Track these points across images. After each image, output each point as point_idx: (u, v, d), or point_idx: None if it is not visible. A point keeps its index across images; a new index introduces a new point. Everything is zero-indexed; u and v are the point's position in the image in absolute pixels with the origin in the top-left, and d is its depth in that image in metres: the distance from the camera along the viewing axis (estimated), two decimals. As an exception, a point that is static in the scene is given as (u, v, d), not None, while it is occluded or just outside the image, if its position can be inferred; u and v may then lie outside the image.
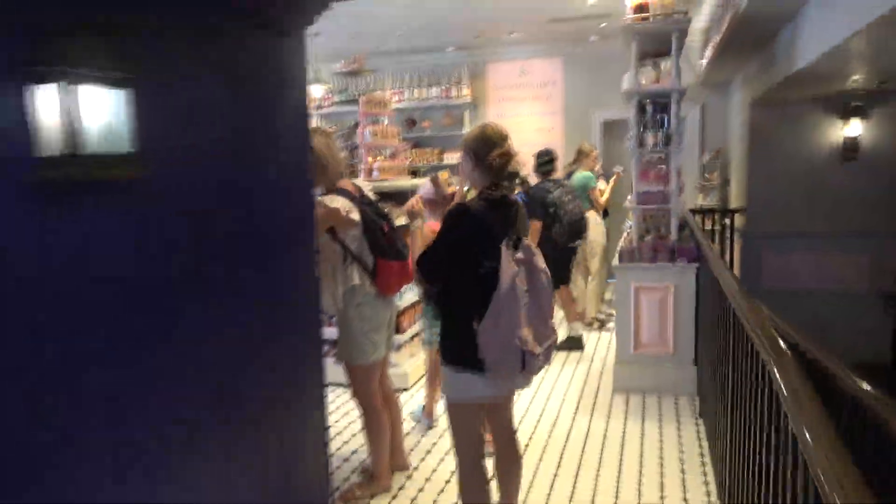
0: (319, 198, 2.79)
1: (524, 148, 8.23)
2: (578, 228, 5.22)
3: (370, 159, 4.49)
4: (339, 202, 2.83)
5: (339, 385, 4.35)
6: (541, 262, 2.28)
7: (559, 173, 5.69)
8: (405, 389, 4.49)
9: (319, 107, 6.91)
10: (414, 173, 5.54)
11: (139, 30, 1.34)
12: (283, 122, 1.91)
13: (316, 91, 6.88)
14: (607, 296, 6.77)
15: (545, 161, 5.37)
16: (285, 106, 1.93)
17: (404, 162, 4.72)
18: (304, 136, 2.01)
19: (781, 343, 1.69)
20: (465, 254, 2.21)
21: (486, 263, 2.17)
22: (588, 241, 5.92)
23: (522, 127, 8.39)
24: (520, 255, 2.23)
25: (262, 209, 1.79)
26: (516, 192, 5.98)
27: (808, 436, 1.15)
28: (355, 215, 2.84)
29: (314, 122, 7.92)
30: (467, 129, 8.35)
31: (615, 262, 4.38)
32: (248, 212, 1.73)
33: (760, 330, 1.81)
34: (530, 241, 2.33)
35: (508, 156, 2.32)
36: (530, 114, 8.40)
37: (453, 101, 8.33)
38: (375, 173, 4.44)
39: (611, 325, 6.09)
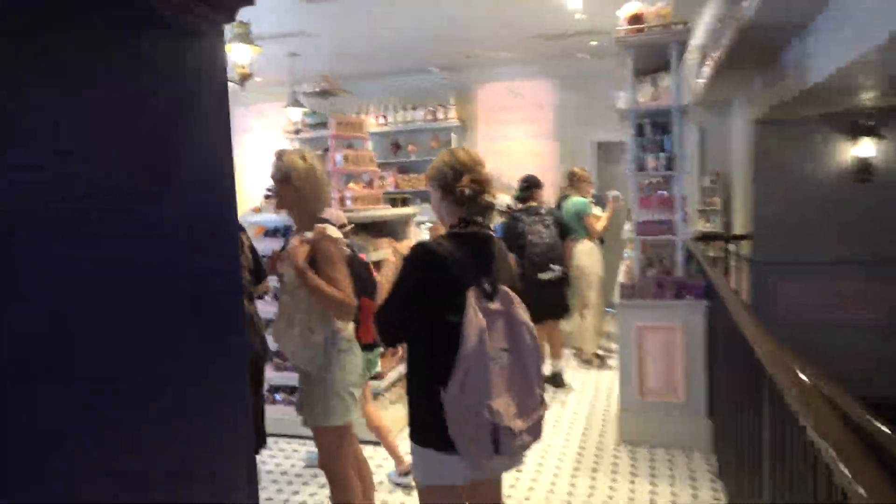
0: (319, 226, 2.42)
1: (514, 173, 7.88)
2: (543, 259, 4.77)
3: (343, 187, 4.06)
4: (335, 231, 2.45)
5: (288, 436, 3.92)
6: (522, 313, 1.86)
7: (545, 201, 5.30)
8: (378, 444, 3.99)
9: (298, 131, 6.50)
10: (403, 201, 5.10)
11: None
12: (185, 138, 1.45)
13: (294, 114, 6.48)
14: (608, 328, 6.31)
15: (523, 188, 5.05)
16: (189, 120, 1.48)
17: (380, 190, 4.28)
18: (217, 160, 1.55)
19: (844, 430, 1.26)
20: (425, 304, 1.83)
21: (451, 316, 1.77)
22: (582, 272, 5.48)
23: (514, 150, 8.02)
24: (495, 305, 1.82)
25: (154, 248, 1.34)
26: (498, 221, 5.60)
27: None
28: (345, 246, 2.48)
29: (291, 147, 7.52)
30: (455, 152, 7.96)
31: (615, 297, 3.93)
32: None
33: (812, 418, 1.37)
34: (508, 287, 1.90)
35: (482, 183, 1.91)
36: (522, 136, 8.02)
37: (440, 123, 7.95)
38: (348, 202, 4.01)
39: (612, 362, 5.62)
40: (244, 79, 4.19)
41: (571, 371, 5.49)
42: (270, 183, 2.56)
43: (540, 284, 4.76)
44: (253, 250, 2.76)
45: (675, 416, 3.80)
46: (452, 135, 8.00)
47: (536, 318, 4.92)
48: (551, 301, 4.95)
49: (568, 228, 5.05)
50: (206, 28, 1.42)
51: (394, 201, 4.90)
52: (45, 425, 1.03)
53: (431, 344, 1.83)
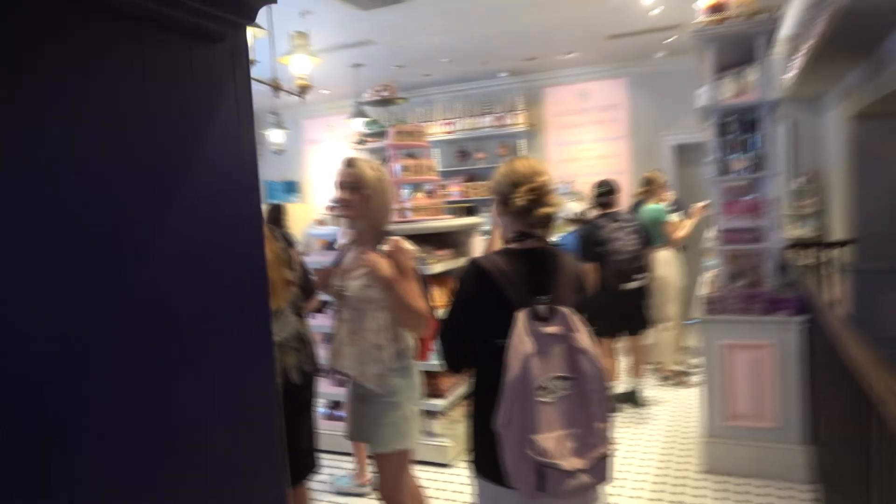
0: (394, 239, 2.37)
1: (586, 178, 7.57)
2: (628, 268, 4.45)
3: (402, 197, 3.93)
4: (408, 244, 2.41)
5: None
6: (583, 340, 1.65)
7: (622, 206, 4.98)
8: (445, 466, 3.82)
9: (362, 142, 6.45)
10: (467, 210, 4.92)
11: None
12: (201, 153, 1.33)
13: (358, 125, 6.44)
14: (688, 342, 5.88)
15: (602, 192, 4.70)
16: (208, 133, 1.35)
17: (441, 199, 4.12)
18: (239, 168, 1.41)
19: None
20: (476, 325, 1.70)
21: (499, 339, 1.63)
22: (661, 283, 5.12)
23: (584, 154, 7.70)
24: (552, 328, 1.64)
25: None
26: (569, 229, 5.32)
27: None
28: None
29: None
30: (524, 159, 7.72)
31: (697, 311, 3.60)
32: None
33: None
34: (570, 313, 1.68)
35: (539, 192, 1.76)
36: (593, 140, 7.69)
37: (508, 129, 7.74)
38: (408, 213, 3.87)
39: (693, 378, 5.22)
40: (304, 90, 4.15)
41: (649, 389, 5.13)
42: (334, 194, 2.46)
43: (623, 296, 4.45)
44: (302, 265, 2.66)
45: (766, 442, 3.43)
46: (520, 140, 7.77)
47: (617, 332, 4.58)
48: (635, 313, 4.64)
49: (651, 236, 4.72)
50: (221, 30, 1.29)
51: (457, 211, 4.72)
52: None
53: (485, 369, 1.71)
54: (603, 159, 7.64)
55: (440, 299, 3.98)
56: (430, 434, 3.88)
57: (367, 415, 2.39)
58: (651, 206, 5.18)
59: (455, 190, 7.91)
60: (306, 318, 2.60)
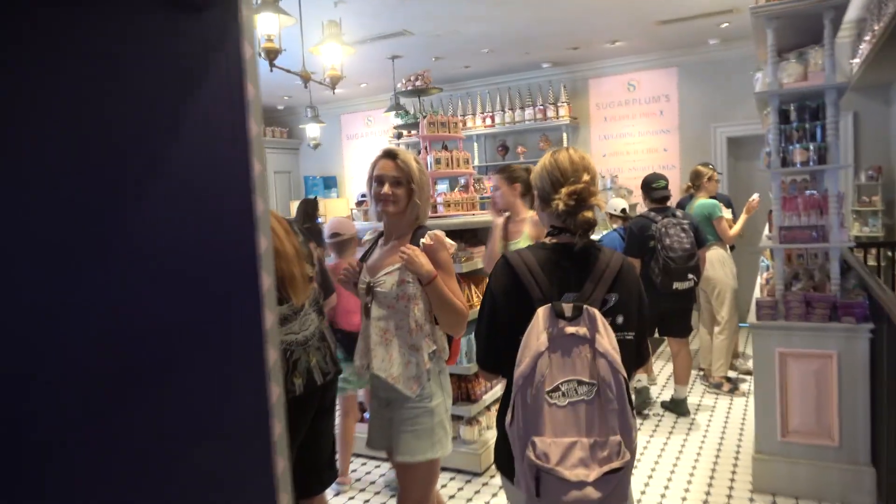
0: (435, 233, 2.24)
1: (631, 173, 7.27)
2: (682, 267, 4.16)
3: (436, 191, 3.76)
4: (448, 239, 2.28)
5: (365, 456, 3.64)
6: (607, 343, 1.51)
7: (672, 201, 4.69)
8: (476, 474, 3.64)
9: (400, 135, 6.32)
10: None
11: None
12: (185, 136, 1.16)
13: (395, 119, 6.30)
14: (741, 348, 5.54)
15: (654, 187, 4.40)
16: (189, 113, 1.19)
17: (476, 194, 3.93)
18: (223, 161, 1.25)
19: None
20: (505, 322, 1.65)
21: (521, 336, 1.56)
22: (714, 284, 4.81)
23: (631, 148, 7.39)
24: (573, 328, 1.52)
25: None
26: (614, 226, 5.05)
27: None
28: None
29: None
30: (566, 153, 7.46)
31: (751, 317, 3.32)
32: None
33: None
34: (597, 314, 1.55)
35: (582, 195, 1.65)
36: (640, 133, 7.37)
37: (550, 122, 7.48)
38: (440, 208, 3.70)
39: (746, 386, 4.90)
40: (335, 81, 4.01)
41: (697, 396, 4.83)
42: (371, 188, 2.30)
43: (672, 296, 4.19)
44: (320, 261, 2.51)
45: (827, 462, 3.12)
46: (564, 133, 7.50)
47: (664, 334, 4.29)
48: (680, 315, 4.39)
49: (703, 235, 4.42)
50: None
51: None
52: None
53: (510, 365, 1.59)
54: (650, 153, 7.31)
55: (474, 297, 3.79)
56: (461, 440, 3.70)
57: (396, 421, 2.22)
58: (702, 202, 4.87)
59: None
60: (325, 316, 2.45)
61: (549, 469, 1.46)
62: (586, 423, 1.49)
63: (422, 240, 2.20)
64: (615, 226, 5.00)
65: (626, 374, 1.52)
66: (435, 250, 2.18)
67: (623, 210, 5.06)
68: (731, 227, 4.88)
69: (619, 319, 1.63)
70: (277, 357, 1.44)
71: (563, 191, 1.64)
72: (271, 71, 3.39)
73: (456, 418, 3.72)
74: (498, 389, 3.98)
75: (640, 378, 4.63)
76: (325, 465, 2.36)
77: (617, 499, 1.50)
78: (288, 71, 3.62)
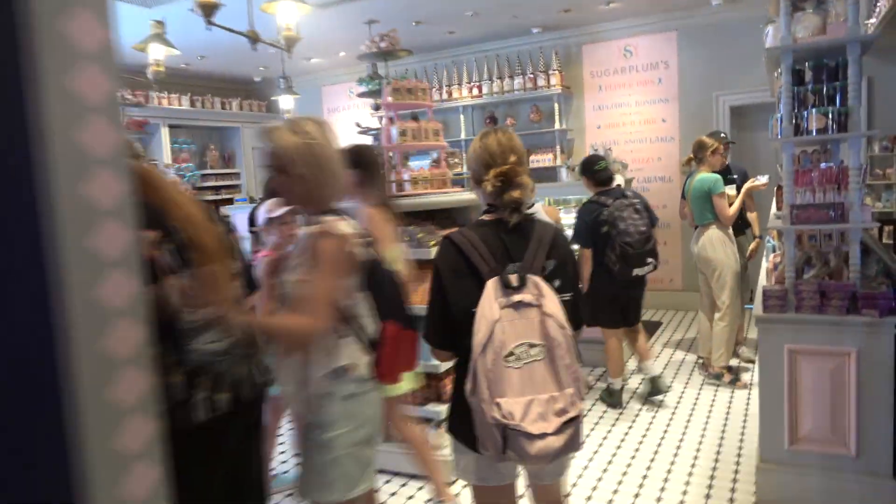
0: (326, 220, 1.77)
1: (628, 145, 6.81)
2: (640, 251, 3.87)
3: (401, 168, 3.32)
4: (344, 228, 1.78)
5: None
6: (553, 306, 1.67)
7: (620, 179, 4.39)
8: (446, 483, 3.26)
9: (378, 106, 5.86)
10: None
11: None
12: None
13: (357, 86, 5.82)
14: (746, 333, 5.14)
15: (596, 168, 4.10)
16: None
17: (448, 169, 3.49)
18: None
19: None
20: (449, 296, 1.76)
21: (474, 308, 1.66)
22: (712, 267, 4.40)
23: (628, 119, 6.93)
24: (521, 296, 1.67)
25: None
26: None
27: None
28: (359, 253, 1.81)
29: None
30: (559, 125, 7.00)
31: (757, 307, 2.91)
32: None
33: None
34: (540, 281, 1.69)
35: (508, 176, 1.76)
36: (637, 103, 6.89)
37: (541, 91, 6.99)
38: (406, 185, 3.27)
39: (747, 377, 4.52)
40: (291, 43, 3.55)
41: (695, 389, 4.45)
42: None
43: (631, 283, 3.99)
44: (242, 254, 2.10)
45: (842, 473, 2.74)
46: (555, 104, 7.02)
47: (621, 323, 4.06)
48: (633, 302, 4.16)
49: (655, 216, 4.16)
50: None
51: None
52: None
53: (461, 337, 1.70)
54: (647, 124, 6.85)
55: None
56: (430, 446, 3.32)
57: (303, 452, 1.86)
58: (702, 176, 4.42)
59: (483, 160, 7.27)
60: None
61: (515, 426, 1.58)
62: (540, 381, 1.63)
63: (310, 228, 1.81)
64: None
65: (572, 331, 1.68)
66: (315, 243, 1.77)
67: (617, 186, 4.62)
68: (730, 204, 4.44)
69: (557, 283, 1.75)
70: (150, 385, 1.08)
71: (491, 173, 1.75)
72: (208, 28, 2.94)
73: (426, 421, 3.35)
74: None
75: (644, 366, 4.27)
76: (254, 487, 1.98)
77: (574, 445, 1.67)
78: (230, 30, 3.17)
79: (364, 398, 1.85)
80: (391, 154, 3.41)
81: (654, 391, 4.22)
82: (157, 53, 4.06)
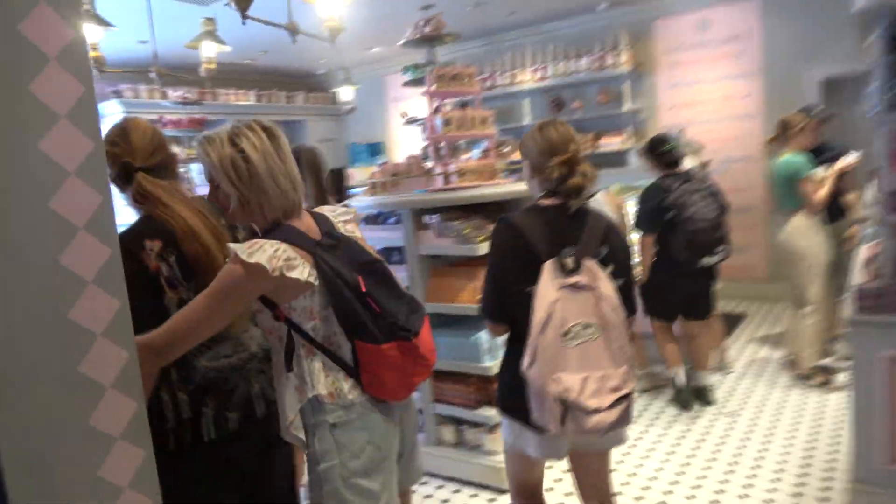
0: (233, 246, 1.50)
1: (705, 125, 6.33)
2: (709, 239, 3.58)
3: (447, 160, 3.15)
4: (264, 252, 1.49)
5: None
6: (607, 288, 1.80)
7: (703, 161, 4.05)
8: (500, 491, 3.09)
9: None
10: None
11: None
12: None
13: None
14: (840, 330, 4.65)
15: (662, 150, 3.78)
16: None
17: (499, 160, 3.28)
18: None
19: None
20: (506, 275, 1.89)
21: (529, 288, 1.78)
22: (799, 258, 3.98)
23: (706, 97, 6.44)
24: (577, 279, 1.78)
25: None
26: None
27: None
28: (299, 272, 1.51)
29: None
30: (629, 105, 6.61)
31: (849, 310, 2.55)
32: None
33: None
34: (595, 265, 1.81)
35: (572, 163, 1.86)
36: (716, 79, 6.39)
37: (609, 71, 6.61)
38: (454, 178, 3.09)
39: (841, 378, 4.08)
40: (335, 33, 3.43)
41: (780, 390, 4.06)
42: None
43: (699, 274, 3.69)
44: None
45: (953, 499, 2.37)
46: (625, 84, 6.62)
47: (678, 314, 3.91)
48: (701, 294, 3.83)
49: (725, 201, 3.80)
50: None
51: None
52: None
53: (518, 317, 1.82)
54: (727, 102, 6.34)
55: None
56: (482, 451, 3.16)
57: (308, 482, 1.67)
58: (787, 158, 3.99)
59: (548, 146, 6.98)
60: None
61: (574, 400, 1.70)
62: (595, 359, 1.74)
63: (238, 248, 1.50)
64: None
65: (625, 314, 1.82)
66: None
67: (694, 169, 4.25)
68: (818, 189, 3.98)
69: (610, 268, 1.85)
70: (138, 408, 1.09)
71: (555, 160, 1.84)
72: (243, 23, 2.87)
73: (476, 426, 3.18)
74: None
75: (697, 374, 3.97)
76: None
77: (625, 421, 1.80)
78: (267, 23, 3.08)
79: (357, 424, 1.61)
80: (439, 145, 3.24)
81: (698, 399, 3.92)
82: (208, 51, 4.06)
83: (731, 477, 3.07)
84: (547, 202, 1.91)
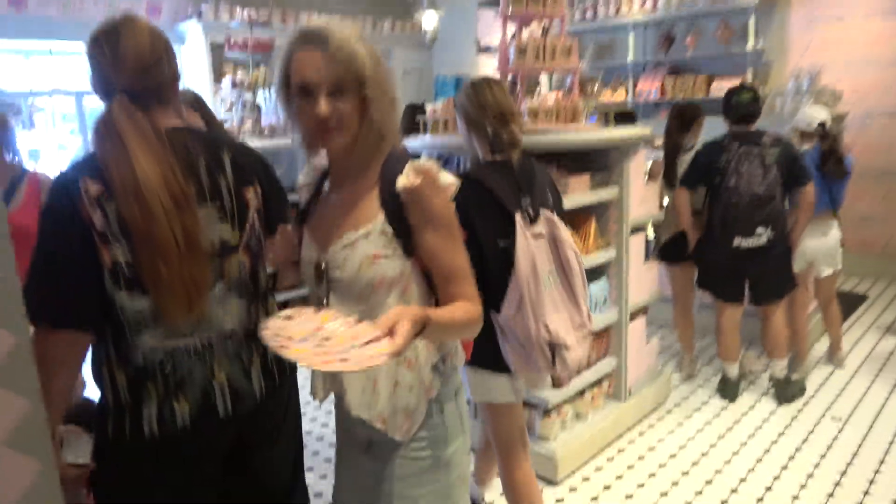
0: (420, 165, 1.25)
1: (851, 68, 5.35)
2: (746, 217, 3.08)
3: (521, 97, 2.66)
4: (444, 176, 1.28)
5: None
6: (565, 234, 1.90)
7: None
8: (550, 483, 2.73)
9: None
10: (626, 116, 3.52)
11: None
12: None
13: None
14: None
15: (736, 101, 3.19)
16: None
17: (580, 100, 2.74)
18: None
19: None
20: (472, 230, 1.78)
21: (501, 241, 1.85)
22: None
23: (849, 36, 5.46)
24: (538, 228, 1.87)
25: None
26: (806, 146, 3.58)
27: None
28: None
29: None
30: (752, 44, 5.71)
31: None
32: None
33: None
34: (550, 213, 1.90)
35: (504, 116, 1.91)
36: (864, 15, 5.37)
37: (733, 3, 5.70)
38: (525, 120, 2.62)
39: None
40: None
41: (882, 383, 3.40)
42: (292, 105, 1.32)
43: (736, 255, 3.16)
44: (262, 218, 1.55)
45: None
46: (750, 19, 5.70)
47: (737, 297, 3.40)
48: (770, 274, 3.27)
49: (802, 173, 3.13)
50: None
51: (621, 116, 3.32)
52: None
53: (484, 269, 1.71)
54: (875, 44, 5.34)
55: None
56: (533, 436, 2.79)
57: (384, 478, 1.33)
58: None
59: (652, 87, 6.22)
60: (273, 295, 1.56)
61: (560, 341, 1.83)
62: (561, 301, 1.88)
63: (399, 180, 1.23)
64: (807, 146, 3.51)
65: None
66: (422, 195, 1.22)
67: (822, 124, 3.52)
68: None
69: (555, 213, 1.95)
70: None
71: (490, 112, 1.91)
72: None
73: (529, 406, 2.81)
74: (600, 368, 2.96)
75: (772, 363, 3.43)
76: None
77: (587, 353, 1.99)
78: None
79: (462, 394, 1.41)
80: (512, 78, 2.75)
81: (780, 397, 3.39)
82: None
83: (837, 489, 2.55)
84: (493, 158, 1.94)
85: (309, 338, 1.06)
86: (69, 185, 1.21)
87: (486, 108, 1.90)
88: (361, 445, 1.38)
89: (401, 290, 1.27)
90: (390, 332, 1.02)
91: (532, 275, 1.80)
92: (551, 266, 1.86)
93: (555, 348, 1.82)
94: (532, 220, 1.85)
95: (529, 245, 1.81)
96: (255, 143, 3.72)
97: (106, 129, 1.25)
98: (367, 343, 1.02)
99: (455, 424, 1.35)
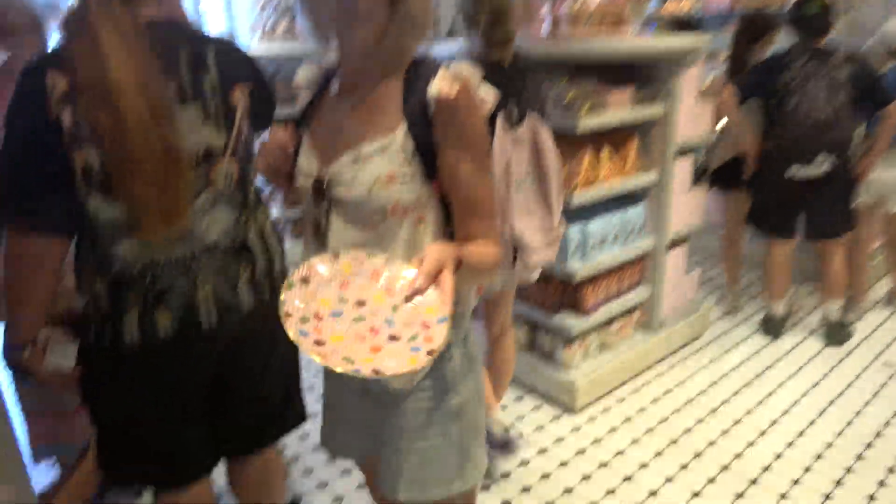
0: (455, 71, 1.10)
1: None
2: (806, 140, 2.79)
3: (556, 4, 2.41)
4: (477, 79, 1.14)
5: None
6: (546, 139, 1.90)
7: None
8: (569, 411, 2.67)
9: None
10: (685, 25, 3.19)
11: None
12: None
13: None
14: None
15: (804, 13, 2.83)
16: None
17: (626, 4, 2.45)
18: None
19: None
20: None
21: None
22: None
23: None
24: (521, 130, 1.86)
25: None
26: (890, 64, 3.18)
27: None
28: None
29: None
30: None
31: None
32: None
33: None
34: (536, 117, 1.89)
35: (499, 11, 1.85)
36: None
37: None
38: (563, 26, 2.38)
39: None
40: None
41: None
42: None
43: (791, 185, 2.91)
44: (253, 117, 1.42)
45: None
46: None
47: (786, 233, 3.17)
48: (828, 208, 3.00)
49: (883, 93, 2.78)
50: None
51: (680, 25, 3.00)
52: None
53: None
54: None
55: (603, 168, 2.54)
56: (555, 363, 2.71)
57: (389, 428, 1.22)
58: None
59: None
60: (265, 206, 1.47)
61: (525, 244, 1.90)
62: (535, 204, 1.94)
63: (433, 86, 1.06)
64: (892, 63, 3.12)
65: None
66: (457, 109, 1.05)
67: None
68: None
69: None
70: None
71: (486, 9, 1.84)
72: None
73: (552, 333, 2.71)
74: (632, 297, 2.82)
75: (826, 307, 3.19)
76: (276, 411, 1.55)
77: (557, 256, 2.04)
78: None
79: (472, 336, 1.25)
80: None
81: (829, 339, 3.17)
82: None
83: (876, 443, 2.39)
84: (485, 58, 1.87)
85: (340, 309, 0.94)
86: (35, 80, 1.12)
87: (482, 3, 1.84)
88: (360, 392, 1.27)
89: (415, 220, 1.10)
90: (435, 281, 0.92)
91: (504, 177, 1.83)
92: (529, 170, 1.90)
93: (516, 250, 1.89)
94: (515, 123, 1.84)
95: (506, 149, 1.81)
96: (288, 46, 3.55)
97: (77, 21, 1.14)
98: (409, 297, 0.92)
99: (464, 372, 1.20)
